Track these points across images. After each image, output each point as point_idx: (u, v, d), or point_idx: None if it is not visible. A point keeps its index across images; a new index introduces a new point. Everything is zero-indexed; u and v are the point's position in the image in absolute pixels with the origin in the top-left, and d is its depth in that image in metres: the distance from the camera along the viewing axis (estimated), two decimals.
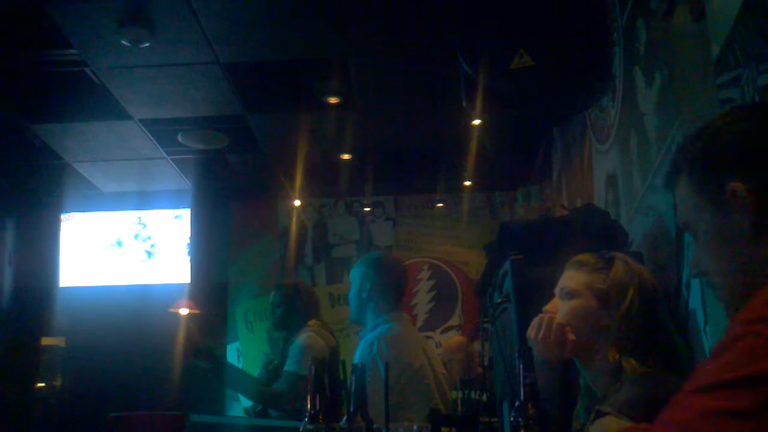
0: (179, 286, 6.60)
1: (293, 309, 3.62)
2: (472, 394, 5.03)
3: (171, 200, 6.86)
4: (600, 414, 1.51)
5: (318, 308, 3.78)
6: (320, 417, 1.51)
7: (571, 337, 1.67)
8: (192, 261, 6.82)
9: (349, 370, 1.77)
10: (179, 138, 5.49)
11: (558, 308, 1.74)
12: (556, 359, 1.73)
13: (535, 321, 1.73)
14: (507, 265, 2.43)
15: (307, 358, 3.28)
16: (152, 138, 5.48)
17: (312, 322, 3.62)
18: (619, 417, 1.47)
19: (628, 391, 1.55)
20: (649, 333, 1.68)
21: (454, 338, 5.68)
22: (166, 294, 6.38)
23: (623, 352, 1.64)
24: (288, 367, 3.38)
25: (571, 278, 1.75)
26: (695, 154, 1.10)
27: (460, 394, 4.86)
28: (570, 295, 1.73)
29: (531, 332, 1.72)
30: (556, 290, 1.78)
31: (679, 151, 1.16)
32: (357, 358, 2.84)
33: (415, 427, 1.70)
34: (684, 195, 1.13)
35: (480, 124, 4.81)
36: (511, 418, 1.41)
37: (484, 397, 4.84)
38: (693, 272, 1.17)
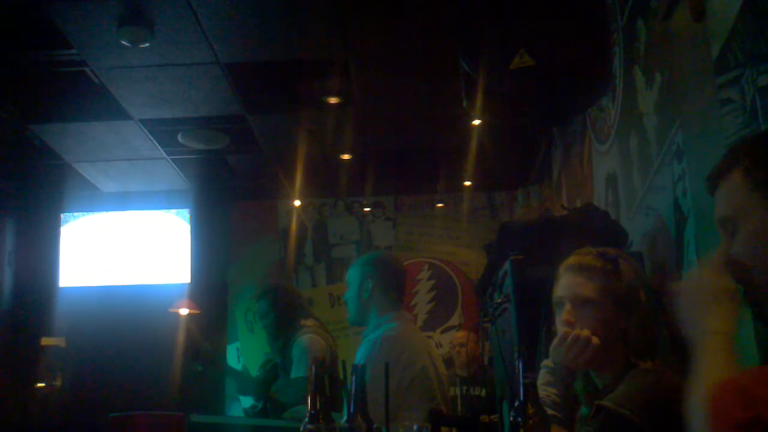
0: (179, 286, 6.60)
1: (283, 311, 3.60)
2: (472, 391, 5.06)
3: (171, 200, 6.86)
4: (600, 409, 1.52)
5: (305, 304, 3.78)
6: (320, 417, 1.51)
7: (596, 340, 1.62)
8: (192, 261, 6.81)
9: (349, 370, 1.77)
10: (179, 138, 5.49)
11: (575, 318, 1.67)
12: (580, 369, 1.69)
13: (569, 337, 1.64)
14: (507, 265, 2.43)
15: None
16: (152, 138, 5.48)
17: (309, 321, 3.59)
18: (618, 411, 1.47)
19: (627, 385, 1.55)
20: (655, 331, 1.67)
21: (459, 333, 5.76)
22: (166, 294, 6.38)
23: (641, 354, 1.63)
24: (298, 373, 3.36)
25: (584, 285, 1.68)
26: (758, 153, 1.12)
27: (458, 391, 4.89)
28: (588, 304, 1.66)
29: (560, 346, 1.65)
30: (566, 297, 1.70)
31: (739, 147, 1.17)
32: (359, 357, 2.83)
33: (415, 427, 1.70)
34: (732, 191, 1.14)
35: (480, 124, 4.82)
36: (511, 418, 1.41)
37: (483, 393, 4.86)
38: (733, 263, 1.17)
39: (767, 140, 1.16)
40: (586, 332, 1.63)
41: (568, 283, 1.71)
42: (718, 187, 1.17)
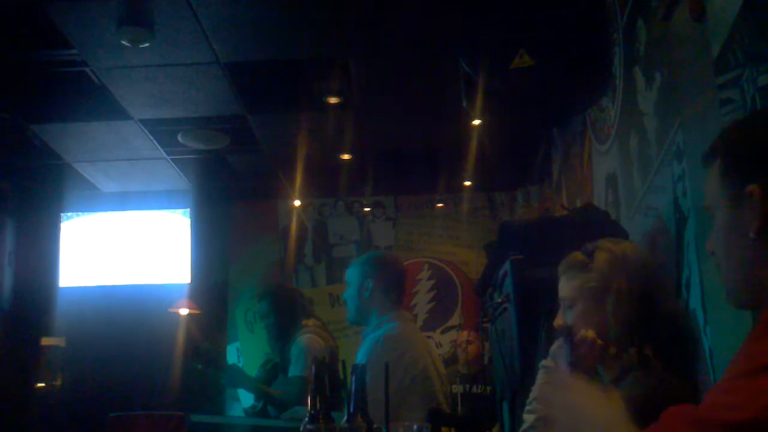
0: (179, 286, 6.60)
1: (285, 311, 3.60)
2: (475, 389, 5.08)
3: (171, 200, 6.86)
4: None
5: (307, 304, 3.78)
6: (320, 417, 1.51)
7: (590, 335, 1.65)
8: (192, 261, 6.81)
9: (349, 370, 1.77)
10: (179, 138, 5.49)
11: (563, 320, 1.71)
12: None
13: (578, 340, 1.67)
14: (507, 265, 2.44)
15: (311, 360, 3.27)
16: (152, 138, 5.48)
17: (311, 321, 3.60)
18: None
19: (628, 388, 1.56)
20: (645, 317, 1.67)
21: (463, 333, 5.78)
22: (166, 294, 6.38)
23: (620, 344, 1.63)
24: (295, 372, 3.37)
25: (565, 287, 1.73)
26: (728, 147, 1.13)
27: (461, 389, 4.91)
28: (569, 304, 1.70)
29: (556, 348, 1.69)
30: (558, 301, 1.77)
31: (719, 137, 1.18)
32: (360, 357, 2.84)
33: (415, 427, 1.70)
34: (709, 181, 1.16)
35: (480, 124, 4.81)
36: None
37: (487, 389, 4.88)
38: (707, 250, 1.20)
39: (738, 132, 1.15)
40: (590, 333, 1.65)
41: (559, 287, 1.77)
42: (708, 173, 1.18)
